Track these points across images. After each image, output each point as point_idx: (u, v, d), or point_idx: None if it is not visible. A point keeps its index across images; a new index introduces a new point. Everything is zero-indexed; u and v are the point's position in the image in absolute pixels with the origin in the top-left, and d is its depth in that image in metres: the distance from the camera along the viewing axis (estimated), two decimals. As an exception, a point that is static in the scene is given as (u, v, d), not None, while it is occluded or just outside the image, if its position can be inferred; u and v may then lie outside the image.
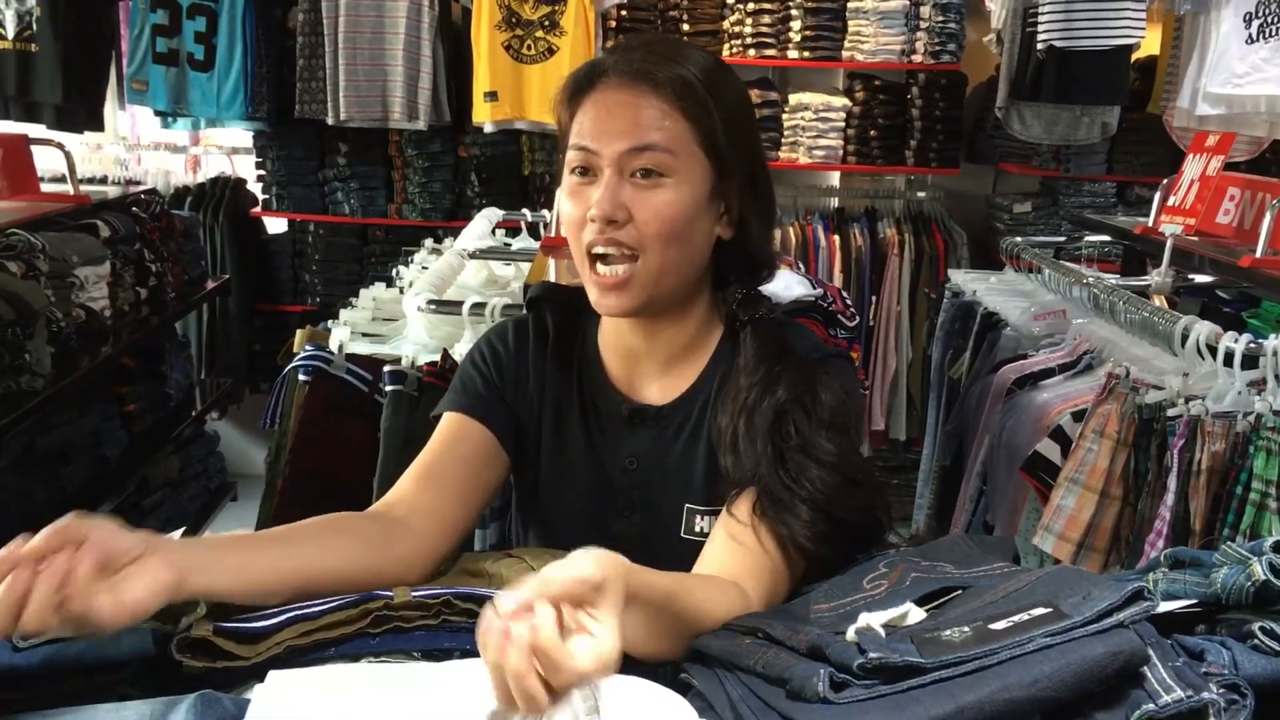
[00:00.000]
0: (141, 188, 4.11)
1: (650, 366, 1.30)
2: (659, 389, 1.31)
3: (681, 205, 1.16)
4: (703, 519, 1.26)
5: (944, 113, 4.33)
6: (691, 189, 1.17)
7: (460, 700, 0.88)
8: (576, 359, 1.34)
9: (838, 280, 4.24)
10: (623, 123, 1.16)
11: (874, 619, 0.81)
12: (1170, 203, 2.74)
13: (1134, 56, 3.98)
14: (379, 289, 2.67)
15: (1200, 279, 2.77)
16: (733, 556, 1.10)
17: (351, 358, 2.07)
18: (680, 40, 1.29)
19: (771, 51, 4.29)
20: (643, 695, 0.88)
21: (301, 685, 0.91)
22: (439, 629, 0.96)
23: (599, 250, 1.17)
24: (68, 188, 3.43)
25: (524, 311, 1.40)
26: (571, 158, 1.20)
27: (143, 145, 5.12)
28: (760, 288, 1.31)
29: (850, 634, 0.79)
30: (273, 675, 0.93)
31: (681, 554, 1.15)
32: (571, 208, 1.20)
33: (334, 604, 0.96)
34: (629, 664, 0.97)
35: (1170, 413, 1.84)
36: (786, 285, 1.98)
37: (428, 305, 2.14)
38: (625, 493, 1.31)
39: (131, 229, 3.45)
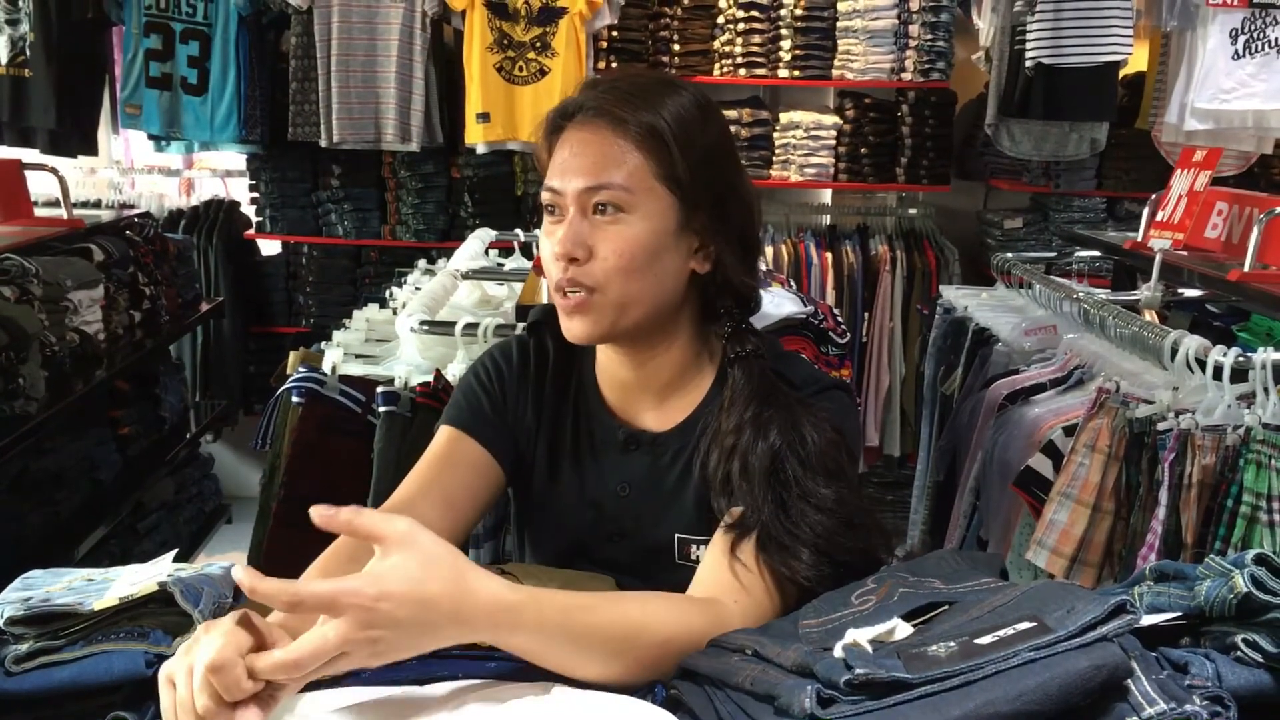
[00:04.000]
0: (135, 211, 4.12)
1: (645, 396, 1.31)
2: (656, 417, 1.31)
3: (642, 240, 1.17)
4: (697, 548, 1.26)
5: (934, 130, 4.35)
6: (652, 223, 1.18)
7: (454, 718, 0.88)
8: (573, 385, 1.35)
9: (830, 297, 4.25)
10: (583, 160, 1.18)
11: (861, 635, 0.81)
12: (1159, 218, 2.75)
13: (1122, 73, 4.01)
14: (372, 310, 2.67)
15: (1189, 293, 2.79)
16: (727, 582, 1.10)
17: (345, 379, 2.07)
18: (659, 77, 1.29)
19: (762, 71, 4.31)
20: (633, 713, 0.89)
21: (295, 709, 0.92)
22: (429, 657, 0.96)
23: (566, 290, 1.19)
24: (61, 212, 3.45)
25: (523, 333, 1.40)
26: (543, 197, 1.22)
27: (136, 169, 5.14)
28: (750, 319, 1.30)
29: (838, 650, 0.80)
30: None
31: (678, 580, 1.15)
32: (545, 246, 1.22)
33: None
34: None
35: (1160, 426, 1.84)
36: (777, 303, 2.00)
37: (421, 326, 2.14)
38: (615, 518, 1.31)
39: (125, 252, 3.46)
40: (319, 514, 0.84)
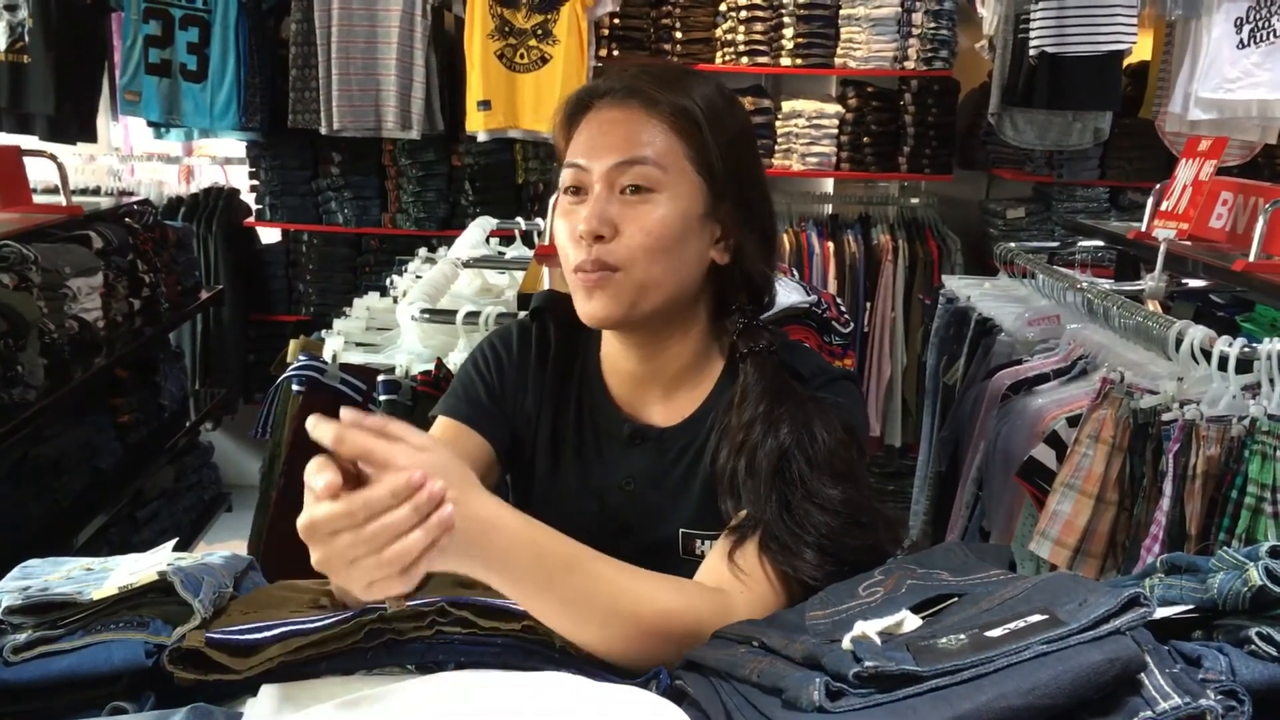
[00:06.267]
0: (134, 198, 4.12)
1: (653, 389, 1.29)
2: (663, 412, 1.29)
3: (669, 221, 1.15)
4: (703, 543, 1.24)
5: (937, 119, 4.33)
6: (681, 205, 1.16)
7: (455, 711, 0.87)
8: (577, 375, 1.33)
9: (832, 287, 4.24)
10: (613, 138, 1.16)
11: (870, 627, 0.80)
12: (1163, 208, 2.74)
13: (1126, 62, 3.99)
14: (373, 298, 2.67)
15: (1194, 283, 2.78)
16: (728, 576, 1.09)
17: (345, 367, 2.07)
18: (683, 67, 1.28)
19: (764, 59, 4.29)
20: (637, 703, 0.88)
21: (294, 698, 0.91)
22: (433, 640, 0.96)
23: (587, 270, 1.17)
24: (60, 199, 3.43)
25: (526, 318, 1.38)
26: (565, 176, 1.20)
27: (136, 156, 5.12)
28: (762, 315, 1.29)
29: (846, 642, 0.79)
30: (265, 689, 0.92)
31: (683, 575, 1.13)
32: (563, 227, 1.19)
33: (328, 619, 0.96)
34: (618, 673, 0.97)
35: (1165, 417, 1.84)
36: (781, 292, 1.98)
37: (421, 314, 2.14)
38: (619, 513, 1.29)
39: (124, 240, 3.44)
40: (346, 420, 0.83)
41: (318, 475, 0.82)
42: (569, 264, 1.19)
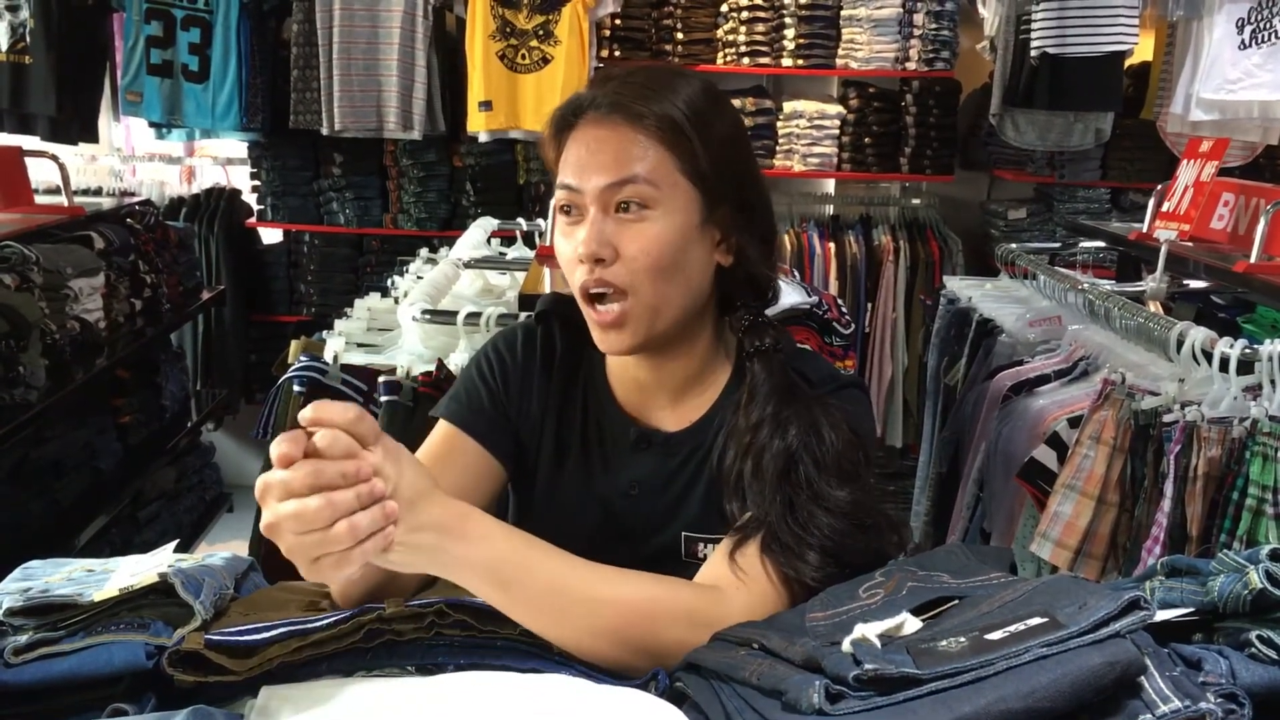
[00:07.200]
0: (136, 199, 4.13)
1: (661, 396, 1.28)
2: (670, 417, 1.28)
3: (668, 237, 1.14)
4: (705, 546, 1.24)
5: (938, 120, 4.33)
6: (678, 219, 1.15)
7: (454, 713, 0.87)
8: (583, 379, 1.32)
9: (833, 288, 4.24)
10: (602, 157, 1.14)
11: (870, 629, 0.80)
12: (1165, 208, 2.74)
13: (1127, 63, 3.99)
14: (374, 299, 2.67)
15: (1195, 284, 2.78)
16: (727, 576, 1.09)
17: (346, 368, 2.06)
18: (668, 69, 1.26)
19: (766, 60, 4.29)
20: (637, 706, 0.88)
21: (294, 700, 0.91)
22: (432, 641, 0.96)
23: (592, 291, 1.16)
24: (62, 199, 3.44)
25: (531, 320, 1.37)
26: (559, 197, 1.18)
27: (137, 157, 5.13)
28: (766, 310, 1.28)
29: (846, 645, 0.79)
30: (265, 690, 0.92)
31: (685, 578, 1.13)
32: (564, 246, 1.18)
33: (327, 619, 0.96)
34: (617, 675, 0.97)
35: (1166, 418, 1.83)
36: (782, 293, 1.98)
37: (423, 315, 2.13)
38: (622, 518, 1.28)
39: (126, 240, 3.45)
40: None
41: (278, 444, 0.84)
42: (574, 284, 1.18)
